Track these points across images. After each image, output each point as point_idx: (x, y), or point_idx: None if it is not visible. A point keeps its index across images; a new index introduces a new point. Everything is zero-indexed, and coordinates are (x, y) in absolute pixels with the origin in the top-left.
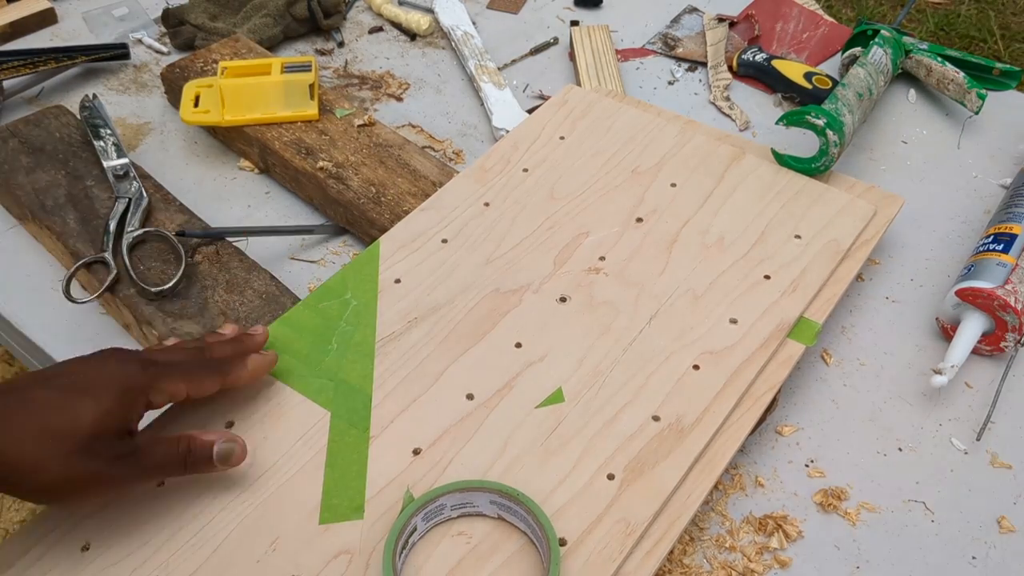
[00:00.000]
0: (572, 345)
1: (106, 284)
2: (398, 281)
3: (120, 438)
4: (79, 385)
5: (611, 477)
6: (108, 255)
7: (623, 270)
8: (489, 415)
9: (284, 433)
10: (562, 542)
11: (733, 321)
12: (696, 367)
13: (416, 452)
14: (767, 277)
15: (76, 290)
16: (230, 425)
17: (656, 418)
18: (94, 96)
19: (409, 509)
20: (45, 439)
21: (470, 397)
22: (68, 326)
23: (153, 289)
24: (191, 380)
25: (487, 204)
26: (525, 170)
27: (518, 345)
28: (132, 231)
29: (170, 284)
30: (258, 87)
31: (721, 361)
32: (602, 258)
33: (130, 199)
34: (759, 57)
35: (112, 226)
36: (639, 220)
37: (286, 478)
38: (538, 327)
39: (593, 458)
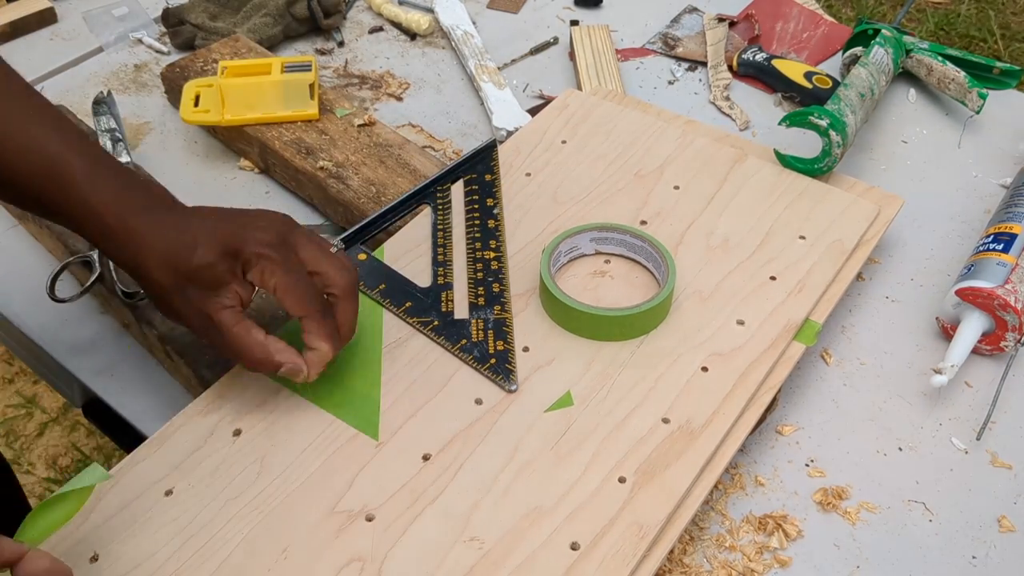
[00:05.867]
0: (580, 348)
1: (87, 284)
2: None
3: (213, 291)
4: (207, 227)
5: (622, 480)
6: (94, 255)
7: (628, 272)
8: (498, 419)
9: (293, 440)
10: (575, 547)
11: (740, 322)
12: (704, 369)
13: (426, 458)
14: (773, 278)
15: (66, 289)
16: (237, 433)
17: (666, 420)
18: (109, 92)
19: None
20: (167, 260)
21: (479, 402)
22: (67, 326)
23: (129, 290)
24: (289, 287)
25: None
26: (528, 174)
27: (525, 349)
28: None
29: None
30: (258, 87)
31: (729, 362)
32: (607, 261)
33: None
34: (759, 57)
35: None
36: (643, 223)
37: (296, 486)
38: (545, 330)
39: (604, 461)
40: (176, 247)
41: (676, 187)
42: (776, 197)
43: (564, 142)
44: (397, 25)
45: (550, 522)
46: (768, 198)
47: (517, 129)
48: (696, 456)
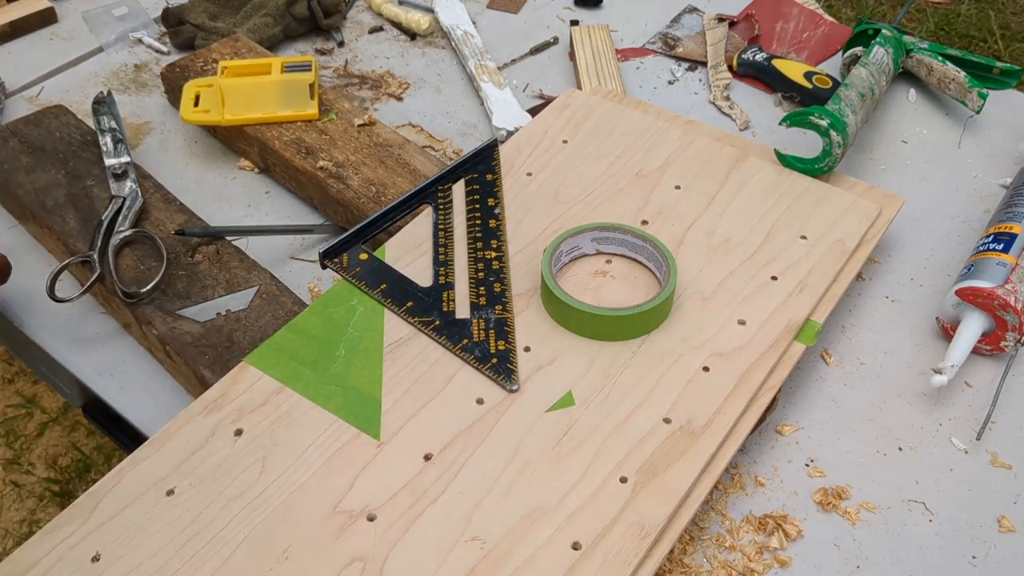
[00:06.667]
0: (581, 348)
1: (88, 284)
2: None
3: None
4: None
5: (624, 480)
6: (95, 255)
7: (629, 273)
8: (499, 419)
9: (294, 440)
10: (576, 546)
11: (741, 322)
12: (706, 369)
13: (427, 458)
14: (774, 278)
15: (67, 289)
16: (239, 433)
17: (667, 420)
18: (109, 92)
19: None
20: None
21: (480, 402)
22: (68, 326)
23: (129, 290)
24: None
25: None
26: (529, 174)
27: (527, 349)
28: (122, 231)
29: (146, 288)
30: (258, 87)
31: (730, 362)
32: (608, 261)
33: (124, 199)
34: (759, 57)
35: (104, 226)
36: (644, 223)
37: (297, 486)
38: (547, 330)
39: (605, 461)
40: None
41: (677, 187)
42: (777, 197)
43: (565, 142)
44: (397, 25)
45: (551, 522)
46: (769, 198)
47: (517, 129)
48: (697, 456)
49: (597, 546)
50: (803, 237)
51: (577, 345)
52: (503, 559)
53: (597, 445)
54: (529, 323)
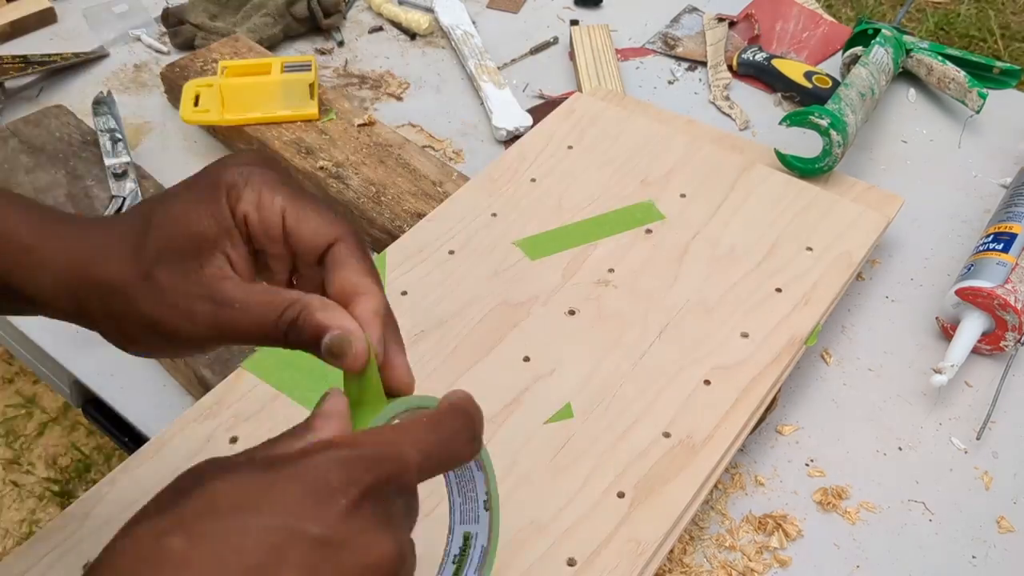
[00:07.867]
0: (581, 359)
1: None
2: (404, 293)
3: (195, 258)
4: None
5: (621, 495)
6: None
7: (632, 282)
8: (497, 431)
9: None
10: (571, 562)
11: (744, 335)
12: (707, 382)
13: None
14: (779, 290)
15: None
16: (234, 441)
17: (667, 435)
18: (108, 92)
19: None
20: (117, 249)
21: None
22: (68, 326)
23: None
24: (305, 204)
25: (494, 215)
26: (533, 180)
27: (526, 359)
28: None
29: None
30: (258, 87)
31: (732, 376)
32: (611, 270)
33: (124, 199)
34: (759, 56)
35: None
36: (648, 231)
37: None
38: (546, 340)
39: (603, 476)
40: (125, 225)
41: (682, 195)
42: (784, 207)
43: (570, 147)
44: (397, 25)
45: (547, 537)
46: (775, 208)
47: (517, 129)
48: (696, 471)
49: (592, 563)
50: (809, 248)
51: (577, 356)
52: (497, 574)
53: (595, 459)
54: (529, 331)
